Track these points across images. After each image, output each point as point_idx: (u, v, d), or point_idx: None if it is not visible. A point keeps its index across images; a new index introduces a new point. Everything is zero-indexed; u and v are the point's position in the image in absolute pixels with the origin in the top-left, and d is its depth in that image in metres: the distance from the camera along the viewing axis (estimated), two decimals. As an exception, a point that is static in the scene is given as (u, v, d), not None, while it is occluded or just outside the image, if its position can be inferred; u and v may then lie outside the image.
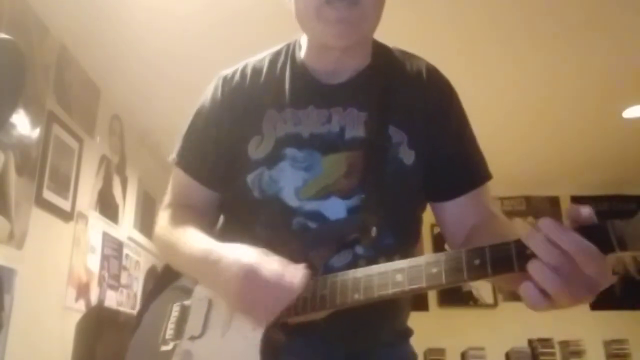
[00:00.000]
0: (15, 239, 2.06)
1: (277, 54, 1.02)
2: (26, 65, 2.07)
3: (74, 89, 2.62)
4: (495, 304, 4.46)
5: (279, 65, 1.00)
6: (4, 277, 1.97)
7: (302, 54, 0.99)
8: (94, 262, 2.77)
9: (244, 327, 0.81)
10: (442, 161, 0.93)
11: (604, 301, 4.47)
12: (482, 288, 4.51)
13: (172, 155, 1.04)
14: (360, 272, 0.75)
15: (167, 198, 1.05)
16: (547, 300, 0.63)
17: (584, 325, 4.29)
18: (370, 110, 0.92)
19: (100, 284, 2.82)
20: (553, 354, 4.17)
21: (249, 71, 1.01)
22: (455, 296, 4.45)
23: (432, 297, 4.42)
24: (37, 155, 2.25)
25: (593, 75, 2.92)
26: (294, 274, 0.76)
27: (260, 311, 0.76)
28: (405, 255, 0.74)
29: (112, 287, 2.98)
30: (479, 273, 0.65)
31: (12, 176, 2.06)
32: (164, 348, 0.91)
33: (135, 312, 3.28)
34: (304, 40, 1.00)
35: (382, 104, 0.93)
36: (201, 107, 1.03)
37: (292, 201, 0.89)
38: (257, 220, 0.92)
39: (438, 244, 4.57)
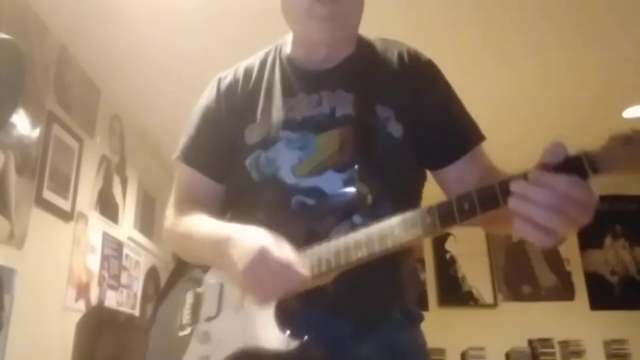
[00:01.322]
0: (15, 239, 2.06)
1: (267, 54, 1.11)
2: (26, 65, 2.07)
3: (74, 89, 2.62)
4: (495, 304, 4.46)
5: (269, 62, 1.08)
6: (4, 277, 1.97)
7: (288, 49, 1.07)
8: (94, 262, 2.76)
9: None
10: (433, 129, 0.99)
11: (604, 301, 4.49)
12: (482, 288, 4.52)
13: (176, 154, 1.09)
14: (361, 233, 0.81)
15: (172, 197, 1.10)
16: (544, 232, 0.67)
17: (584, 325, 4.30)
18: (356, 91, 0.98)
19: (100, 284, 2.82)
20: (553, 354, 4.17)
21: (241, 70, 1.09)
22: (455, 296, 4.45)
23: (432, 297, 4.42)
24: (37, 155, 2.25)
25: (593, 75, 2.93)
26: (303, 264, 0.81)
27: (265, 290, 0.81)
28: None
29: (112, 287, 2.98)
30: (469, 214, 0.72)
31: (12, 176, 2.06)
32: (182, 333, 0.96)
33: (135, 312, 3.29)
34: (289, 38, 1.08)
35: (367, 85, 1.00)
36: (199, 106, 1.11)
37: (289, 179, 0.93)
38: (257, 203, 0.96)
39: (438, 243, 4.57)
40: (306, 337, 0.81)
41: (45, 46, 2.35)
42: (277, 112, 1.00)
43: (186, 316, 0.97)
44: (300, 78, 1.03)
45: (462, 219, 0.73)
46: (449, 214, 0.73)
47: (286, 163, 0.94)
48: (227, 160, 1.02)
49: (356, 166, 0.91)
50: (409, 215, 0.77)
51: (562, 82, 3.01)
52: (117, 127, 3.17)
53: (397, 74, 1.02)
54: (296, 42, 1.05)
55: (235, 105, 1.04)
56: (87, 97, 2.79)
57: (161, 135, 3.60)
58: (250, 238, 0.84)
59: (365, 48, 1.06)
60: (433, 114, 0.99)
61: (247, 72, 1.08)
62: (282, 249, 0.82)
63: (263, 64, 1.08)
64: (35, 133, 2.24)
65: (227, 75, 1.09)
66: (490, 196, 0.71)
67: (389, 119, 0.97)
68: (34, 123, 2.23)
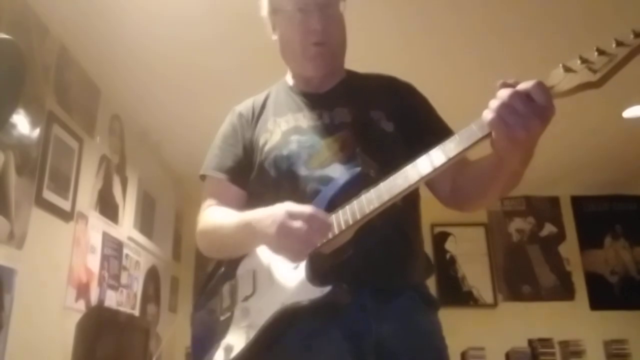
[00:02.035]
0: (15, 239, 2.06)
1: (270, 90, 1.31)
2: (26, 65, 2.07)
3: (74, 89, 2.62)
4: (495, 304, 4.47)
5: (273, 93, 1.29)
6: (4, 277, 1.97)
7: (290, 83, 1.30)
8: (94, 262, 2.77)
9: (287, 269, 1.01)
10: (418, 127, 1.16)
11: (604, 301, 4.49)
12: (482, 288, 4.52)
13: (203, 171, 1.26)
14: (371, 192, 0.95)
15: (202, 207, 1.23)
16: (505, 127, 0.83)
17: (584, 325, 4.30)
18: (351, 104, 1.18)
19: (100, 284, 2.82)
20: (553, 354, 4.17)
21: (251, 101, 1.30)
22: (455, 296, 4.46)
23: (432, 297, 4.42)
24: (37, 155, 2.25)
25: (593, 75, 2.92)
26: (324, 214, 0.96)
27: (300, 242, 0.93)
28: (405, 198, 0.96)
29: (112, 287, 2.98)
30: (457, 154, 0.88)
31: (12, 176, 2.06)
32: (224, 317, 1.08)
33: (135, 312, 3.29)
34: (288, 76, 1.32)
35: (360, 98, 1.20)
36: (220, 132, 1.29)
37: (302, 171, 1.10)
38: (278, 194, 1.07)
39: (438, 243, 4.58)
40: (336, 283, 0.93)
41: (45, 46, 2.35)
42: (287, 123, 1.19)
43: (225, 302, 1.09)
44: (303, 100, 1.23)
45: (468, 147, 0.87)
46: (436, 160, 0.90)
47: (299, 159, 1.11)
48: (247, 169, 1.20)
49: (358, 149, 1.08)
50: (408, 166, 0.93)
51: (562, 82, 3.00)
52: (117, 127, 3.17)
53: (383, 88, 1.24)
54: (295, 76, 1.29)
55: (250, 124, 1.24)
56: (87, 97, 2.80)
57: (161, 135, 3.60)
58: (274, 208, 0.98)
59: (353, 74, 1.30)
60: (418, 116, 1.20)
61: (256, 102, 1.28)
62: (302, 207, 0.96)
63: (268, 95, 1.29)
64: (35, 133, 2.24)
65: (240, 106, 1.30)
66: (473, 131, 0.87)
67: (381, 119, 1.16)
68: (34, 123, 2.23)
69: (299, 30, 1.17)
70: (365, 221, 0.95)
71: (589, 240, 4.68)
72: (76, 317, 2.48)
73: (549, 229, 4.73)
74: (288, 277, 1.00)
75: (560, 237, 4.70)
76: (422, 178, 0.91)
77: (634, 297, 4.47)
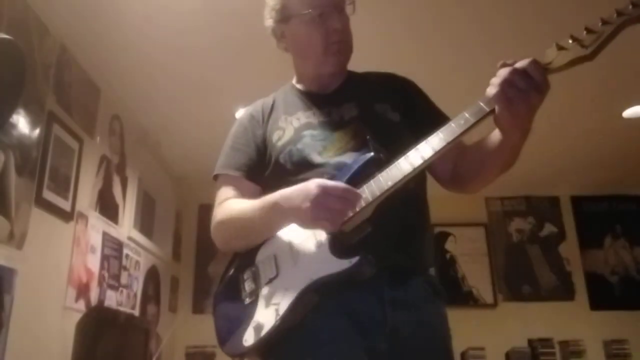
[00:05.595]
0: (15, 239, 2.06)
1: (277, 93, 1.36)
2: (26, 65, 2.07)
3: (74, 89, 2.62)
4: (495, 304, 4.47)
5: (281, 95, 1.35)
6: (4, 277, 1.97)
7: (297, 86, 1.35)
8: (94, 262, 2.77)
9: (309, 249, 1.05)
10: (421, 118, 1.23)
11: (604, 301, 4.49)
12: (482, 288, 4.52)
13: (216, 171, 1.28)
14: (386, 170, 1.02)
15: (216, 204, 1.26)
16: (507, 100, 0.93)
17: (584, 325, 4.30)
18: (356, 99, 1.25)
19: (100, 284, 2.82)
20: (553, 354, 4.18)
21: (260, 102, 1.35)
22: (455, 296, 4.45)
23: (432, 297, 4.42)
24: (37, 155, 2.25)
25: (593, 75, 2.92)
26: (353, 188, 1.01)
27: (335, 214, 0.98)
28: (416, 181, 1.06)
29: (112, 287, 2.98)
30: (468, 127, 0.97)
31: (12, 176, 2.06)
32: (248, 300, 1.10)
33: (135, 312, 3.29)
34: (293, 80, 1.37)
35: (364, 93, 1.27)
36: (231, 133, 1.33)
37: (318, 160, 1.15)
38: (295, 183, 1.08)
39: (438, 243, 4.58)
40: (362, 254, 0.98)
41: (45, 46, 2.35)
42: (298, 120, 1.24)
43: (248, 287, 1.12)
44: (311, 100, 1.29)
45: (465, 132, 0.97)
46: (451, 133, 0.98)
47: (313, 150, 1.16)
48: (260, 166, 1.23)
49: (368, 136, 1.12)
50: (421, 144, 1.01)
51: (562, 82, 3.00)
52: (117, 127, 3.17)
53: (383, 83, 1.32)
54: (305, 79, 1.34)
55: (261, 125, 1.28)
56: (87, 97, 2.79)
57: (161, 135, 3.60)
58: (304, 184, 1.02)
59: (354, 74, 1.35)
60: (418, 106, 1.27)
61: (265, 103, 1.33)
62: (332, 181, 1.01)
63: (276, 97, 1.34)
64: (35, 133, 2.24)
65: (250, 107, 1.35)
66: (478, 110, 0.97)
67: (387, 111, 1.23)
68: (34, 123, 2.23)
69: (321, 31, 1.23)
70: (383, 198, 1.00)
71: (589, 240, 4.68)
72: (76, 317, 2.48)
73: (549, 229, 4.73)
74: (312, 256, 1.04)
75: (560, 237, 4.71)
76: (437, 152, 0.98)
77: (634, 297, 4.47)
